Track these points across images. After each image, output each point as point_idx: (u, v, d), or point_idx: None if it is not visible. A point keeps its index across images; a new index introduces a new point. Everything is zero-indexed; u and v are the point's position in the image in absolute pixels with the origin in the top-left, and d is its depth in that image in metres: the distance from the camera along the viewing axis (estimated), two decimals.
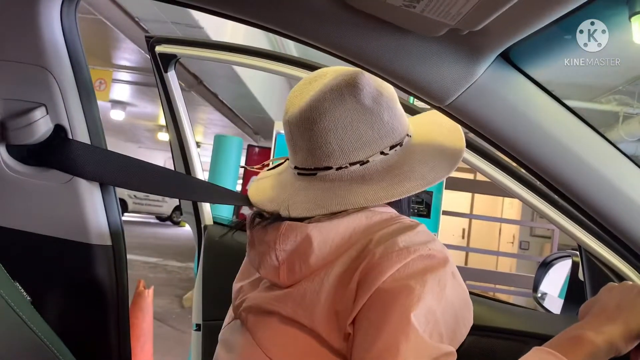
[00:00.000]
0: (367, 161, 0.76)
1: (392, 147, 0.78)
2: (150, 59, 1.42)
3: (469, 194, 9.22)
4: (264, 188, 0.85)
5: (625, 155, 0.84)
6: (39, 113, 0.87)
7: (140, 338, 3.41)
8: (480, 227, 9.63)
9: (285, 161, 0.89)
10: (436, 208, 3.67)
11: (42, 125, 0.88)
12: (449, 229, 9.24)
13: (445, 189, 3.70)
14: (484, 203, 9.40)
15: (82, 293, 0.95)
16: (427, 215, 3.68)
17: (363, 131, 0.75)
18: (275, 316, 0.71)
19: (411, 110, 1.13)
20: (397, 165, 0.77)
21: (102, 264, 0.95)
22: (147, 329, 3.44)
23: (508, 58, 0.81)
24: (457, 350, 0.67)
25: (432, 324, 0.61)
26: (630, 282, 0.74)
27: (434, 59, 0.77)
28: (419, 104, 1.26)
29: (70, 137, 0.91)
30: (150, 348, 3.46)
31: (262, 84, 7.43)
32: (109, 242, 0.96)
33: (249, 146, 8.23)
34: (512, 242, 8.92)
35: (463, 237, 9.83)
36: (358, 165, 0.75)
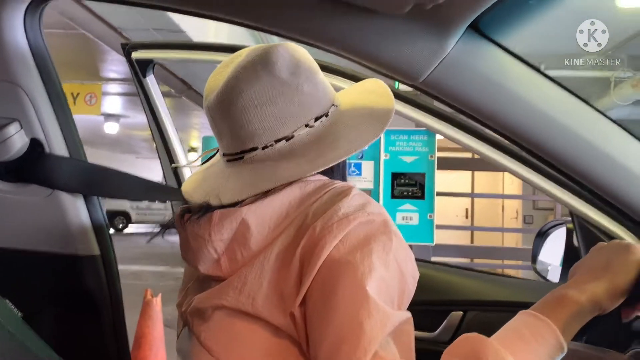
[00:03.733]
0: (293, 136, 0.73)
1: (317, 119, 0.75)
2: (128, 65, 1.42)
3: (469, 174, 9.22)
4: (197, 181, 0.82)
5: (606, 117, 0.84)
6: (12, 129, 0.87)
7: (153, 347, 3.42)
8: (483, 205, 9.63)
9: (217, 152, 0.85)
10: (430, 189, 3.66)
11: (17, 141, 0.87)
12: (452, 210, 9.23)
13: (438, 169, 3.69)
14: (485, 181, 9.39)
15: (75, 304, 0.95)
16: (422, 197, 3.67)
17: (283, 106, 0.73)
18: (219, 312, 0.69)
19: (397, 96, 1.12)
20: (324, 135, 0.74)
21: (91, 274, 0.94)
22: (159, 336, 3.45)
23: (478, 29, 0.81)
24: (459, 327, 0.66)
25: (385, 292, 0.60)
26: (618, 240, 0.73)
27: (402, 37, 0.76)
28: (403, 87, 1.25)
29: (47, 150, 0.90)
30: (163, 355, 3.47)
31: None
32: (97, 252, 0.95)
33: None
34: (516, 218, 8.92)
35: (467, 217, 9.82)
36: (284, 141, 0.73)
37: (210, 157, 0.87)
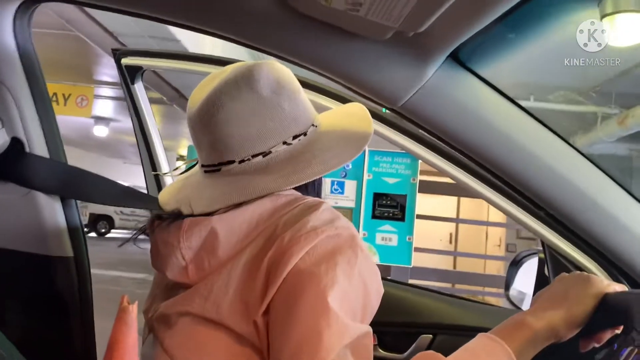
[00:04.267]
0: (270, 152, 0.75)
1: (295, 137, 0.77)
2: (118, 71, 1.43)
3: (455, 199, 9.26)
4: (174, 190, 0.84)
5: (577, 150, 0.86)
6: None
7: (126, 354, 3.36)
8: (467, 231, 9.67)
9: (197, 163, 0.87)
10: (410, 211, 3.69)
11: None
12: (436, 234, 9.26)
13: (422, 192, 3.73)
14: (470, 207, 9.45)
15: (44, 305, 0.94)
16: (402, 219, 3.70)
17: (262, 122, 0.74)
18: (184, 318, 0.69)
19: (382, 119, 1.14)
20: (300, 153, 0.76)
21: (63, 275, 0.94)
22: (133, 343, 3.38)
23: (458, 59, 0.83)
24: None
25: (347, 304, 0.61)
26: (580, 272, 0.75)
27: (383, 62, 0.78)
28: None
29: (28, 150, 0.91)
30: None
31: None
32: (70, 254, 0.95)
33: None
34: (499, 245, 8.97)
35: (450, 242, 9.86)
36: (260, 157, 0.74)
37: (192, 167, 0.88)
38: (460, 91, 0.82)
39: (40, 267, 0.93)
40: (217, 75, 0.80)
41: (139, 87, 1.44)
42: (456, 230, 9.85)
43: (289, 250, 0.64)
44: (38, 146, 0.92)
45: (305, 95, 0.82)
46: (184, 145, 13.49)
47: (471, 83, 0.83)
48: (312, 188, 0.82)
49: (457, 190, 5.06)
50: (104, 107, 9.84)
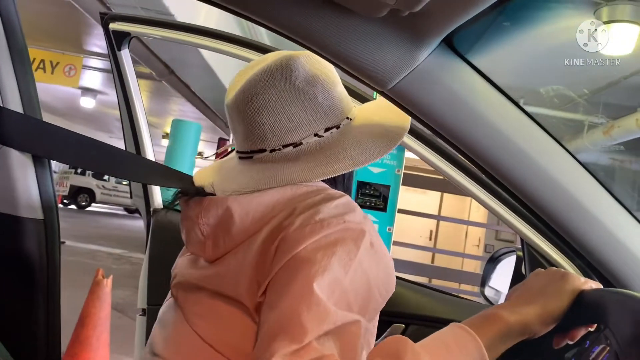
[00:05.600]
0: (301, 143, 0.76)
1: (327, 129, 0.78)
2: (104, 36, 1.39)
3: (438, 197, 9.33)
4: (208, 173, 0.86)
5: (565, 149, 0.85)
6: None
7: (97, 327, 3.34)
8: (448, 229, 9.75)
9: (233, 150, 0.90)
10: (392, 202, 3.70)
11: None
12: (417, 230, 9.33)
13: (406, 185, 3.74)
14: (452, 206, 9.52)
15: (8, 268, 0.92)
16: (384, 209, 3.71)
17: (295, 113, 0.76)
18: (203, 291, 0.72)
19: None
20: (330, 147, 0.77)
21: (32, 238, 0.91)
22: (105, 318, 3.37)
23: (452, 45, 0.81)
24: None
25: (338, 293, 0.61)
26: (556, 268, 0.75)
27: (376, 41, 0.77)
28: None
29: (1, 104, 0.87)
30: (106, 338, 3.39)
31: (233, 76, 7.37)
32: (40, 216, 0.92)
33: (220, 139, 8.17)
34: (478, 245, 9.06)
35: (430, 239, 9.93)
36: (291, 147, 0.76)
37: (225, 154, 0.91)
38: (452, 78, 0.80)
39: (7, 227, 0.90)
40: (257, 63, 0.82)
41: (125, 54, 1.41)
42: (437, 227, 9.92)
43: (293, 238, 0.65)
44: (13, 101, 0.88)
45: (343, 88, 0.83)
46: (170, 123, 13.37)
47: (463, 70, 0.81)
48: (341, 181, 0.84)
49: (441, 185, 5.09)
50: (92, 78, 9.69)
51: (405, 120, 0.84)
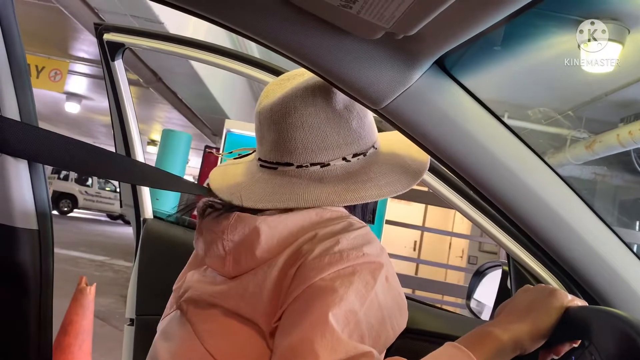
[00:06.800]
0: (328, 164, 0.77)
1: (355, 155, 0.80)
2: (98, 46, 1.40)
3: (422, 208, 9.37)
4: (227, 174, 0.86)
5: (550, 168, 0.88)
6: None
7: (79, 336, 3.30)
8: (432, 240, 9.79)
9: (253, 152, 0.90)
10: (380, 215, 3.75)
11: None
12: (401, 241, 9.36)
13: (390, 197, 3.79)
14: (437, 217, 9.57)
15: (3, 276, 0.91)
16: (372, 222, 3.76)
17: (329, 134, 0.77)
18: (218, 309, 0.72)
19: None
20: (357, 173, 0.79)
21: (26, 248, 0.91)
22: (87, 326, 3.34)
23: (444, 67, 0.84)
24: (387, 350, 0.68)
25: (353, 324, 0.62)
26: (544, 285, 0.76)
27: (371, 62, 0.79)
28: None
29: None
30: (88, 346, 3.35)
31: (222, 85, 7.37)
32: (35, 226, 0.92)
33: (207, 147, 8.15)
34: (462, 257, 9.11)
35: (414, 249, 9.97)
36: (319, 166, 0.77)
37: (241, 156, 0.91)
38: (443, 98, 0.83)
39: (2, 237, 0.90)
40: (293, 76, 0.83)
41: (118, 65, 1.42)
42: (421, 238, 9.96)
43: (311, 267, 0.65)
44: (10, 110, 0.89)
45: (372, 118, 0.85)
46: (156, 130, 13.29)
47: (454, 91, 0.84)
48: (360, 210, 0.85)
49: (427, 198, 5.13)
50: (78, 83, 9.63)
51: (426, 157, 0.86)
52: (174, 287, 0.85)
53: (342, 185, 0.76)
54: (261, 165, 0.81)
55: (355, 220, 0.75)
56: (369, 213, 0.87)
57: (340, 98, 0.78)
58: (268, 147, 0.80)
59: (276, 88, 0.82)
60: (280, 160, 0.78)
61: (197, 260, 0.87)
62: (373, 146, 0.83)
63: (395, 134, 0.94)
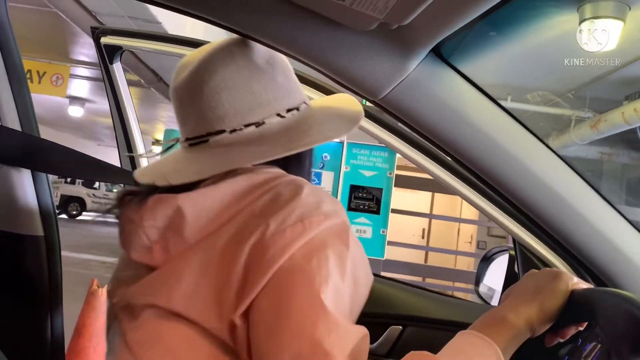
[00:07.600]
0: (263, 122, 0.71)
1: (289, 110, 0.75)
2: (96, 50, 1.41)
3: (430, 195, 9.37)
4: (151, 166, 0.79)
5: (554, 152, 0.88)
6: None
7: (93, 338, 3.32)
8: (440, 227, 9.79)
9: (177, 142, 0.81)
10: (385, 205, 3.74)
11: None
12: (410, 229, 9.35)
13: (398, 187, 3.78)
14: (444, 204, 9.56)
15: (11, 285, 0.92)
16: (377, 212, 3.75)
17: (256, 90, 0.71)
18: (149, 310, 0.63)
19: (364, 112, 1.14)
20: (295, 126, 0.73)
21: (33, 255, 0.92)
22: (100, 328, 3.35)
23: (440, 54, 0.84)
24: (397, 342, 0.65)
25: (341, 303, 0.58)
26: (549, 268, 0.76)
27: (366, 53, 0.78)
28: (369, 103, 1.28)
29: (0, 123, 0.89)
30: (103, 348, 3.37)
31: None
32: (40, 233, 0.93)
33: None
34: (470, 242, 9.10)
35: (423, 237, 9.97)
36: (253, 127, 0.71)
37: (169, 148, 0.84)
38: (441, 86, 0.82)
39: (9, 245, 0.91)
40: (205, 48, 0.76)
41: (117, 67, 1.42)
42: (429, 225, 9.96)
43: (273, 246, 0.58)
44: (11, 119, 0.89)
45: (296, 78, 0.81)
46: (160, 130, 13.32)
47: (452, 78, 0.83)
48: (302, 165, 0.79)
49: (432, 186, 5.14)
50: (80, 87, 9.64)
51: (359, 107, 0.82)
52: (107, 293, 0.76)
53: (284, 139, 0.70)
54: (190, 145, 0.73)
55: (290, 178, 0.68)
56: (306, 171, 0.80)
57: (261, 53, 0.73)
58: (194, 122, 0.72)
59: (188, 62, 0.75)
60: (211, 130, 0.71)
61: (126, 258, 0.75)
62: (304, 102, 0.78)
63: (325, 97, 0.91)
